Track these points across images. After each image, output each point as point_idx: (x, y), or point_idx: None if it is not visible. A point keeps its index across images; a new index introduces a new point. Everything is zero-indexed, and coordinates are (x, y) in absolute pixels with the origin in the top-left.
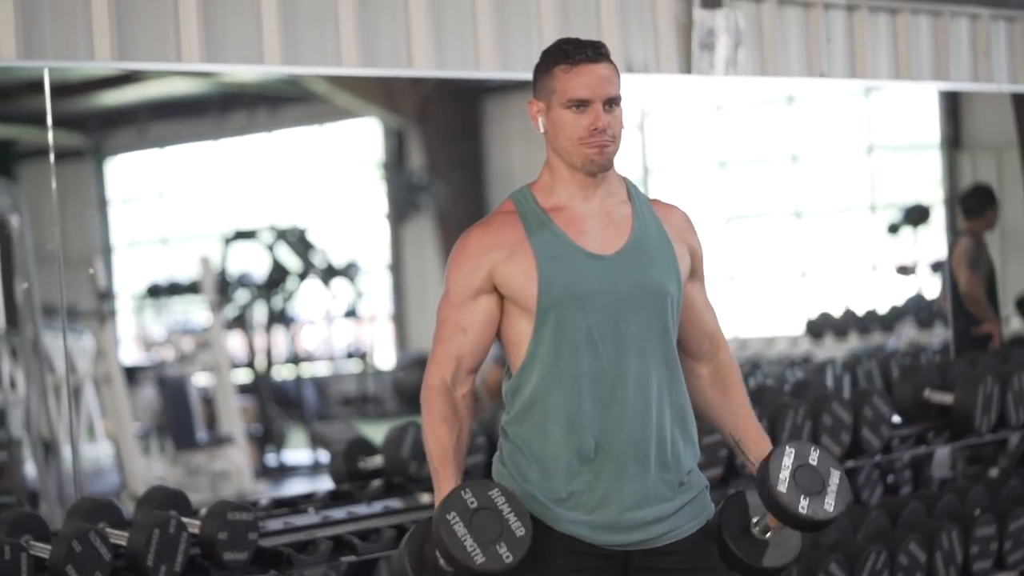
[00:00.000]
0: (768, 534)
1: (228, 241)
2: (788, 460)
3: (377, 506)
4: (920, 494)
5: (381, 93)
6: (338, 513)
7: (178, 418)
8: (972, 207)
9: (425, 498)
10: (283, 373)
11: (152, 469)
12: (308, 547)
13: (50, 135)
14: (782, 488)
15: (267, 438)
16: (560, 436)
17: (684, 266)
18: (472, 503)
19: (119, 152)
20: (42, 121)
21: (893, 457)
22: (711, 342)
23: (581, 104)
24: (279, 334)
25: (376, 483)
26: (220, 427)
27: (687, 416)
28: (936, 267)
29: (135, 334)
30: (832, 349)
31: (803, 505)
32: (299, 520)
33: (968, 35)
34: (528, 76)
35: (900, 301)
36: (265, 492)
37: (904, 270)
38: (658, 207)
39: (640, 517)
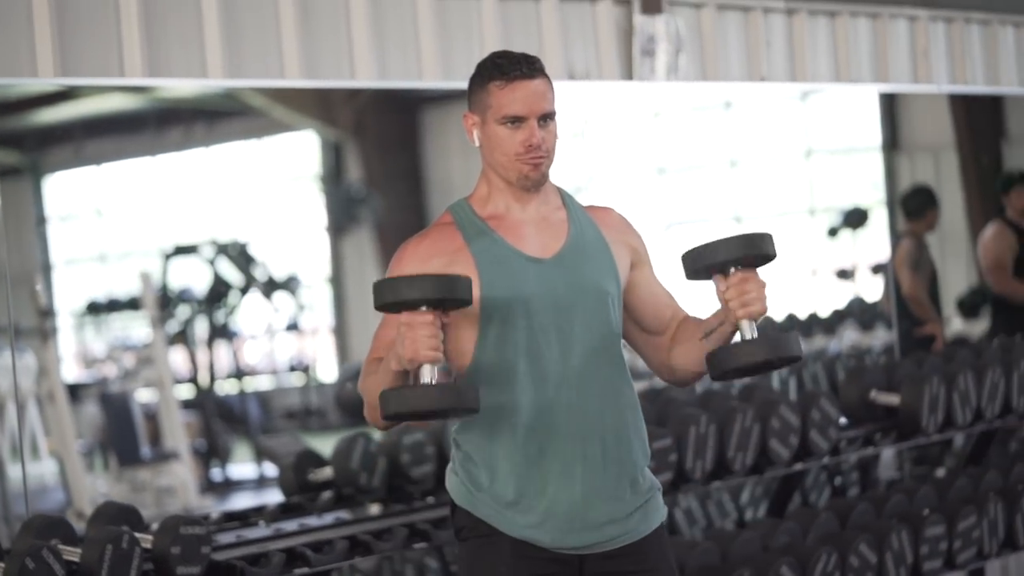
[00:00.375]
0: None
1: (168, 256)
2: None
3: (328, 518)
4: (869, 495)
5: (318, 106)
6: (290, 525)
7: (122, 434)
8: (913, 208)
9: (374, 509)
10: (226, 388)
11: (97, 486)
12: (261, 560)
13: None
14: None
15: (212, 453)
16: (507, 439)
17: (623, 266)
18: None
19: (56, 170)
20: None
21: (841, 459)
22: (673, 314)
23: (516, 120)
24: (221, 349)
25: (326, 495)
26: (164, 443)
27: (636, 415)
28: (876, 269)
29: (76, 351)
30: None
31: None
32: (251, 533)
33: (907, 37)
34: None
35: (841, 304)
36: (212, 507)
37: (844, 273)
38: (593, 211)
39: (592, 517)
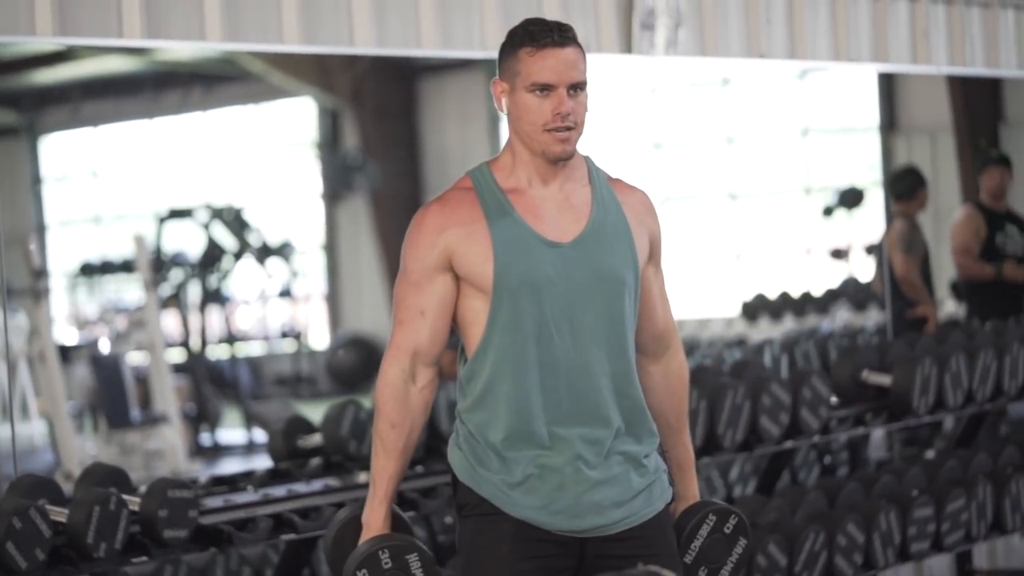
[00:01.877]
0: None
1: (163, 220)
2: (704, 530)
3: (317, 484)
4: (858, 475)
5: (316, 72)
6: (278, 491)
7: (112, 397)
8: (903, 190)
9: (363, 477)
10: (218, 353)
11: (86, 448)
12: (248, 525)
13: None
14: (687, 559)
15: (201, 417)
16: (514, 422)
17: (642, 252)
18: (387, 564)
19: (53, 130)
20: None
21: (831, 438)
22: (660, 342)
23: (545, 88)
24: (214, 314)
25: (315, 461)
26: (154, 406)
27: (642, 401)
28: (871, 250)
29: (69, 313)
30: (767, 331)
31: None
32: (239, 498)
33: (907, 17)
34: (469, 54)
35: (835, 284)
36: (200, 471)
37: (838, 253)
38: (619, 189)
39: (596, 500)
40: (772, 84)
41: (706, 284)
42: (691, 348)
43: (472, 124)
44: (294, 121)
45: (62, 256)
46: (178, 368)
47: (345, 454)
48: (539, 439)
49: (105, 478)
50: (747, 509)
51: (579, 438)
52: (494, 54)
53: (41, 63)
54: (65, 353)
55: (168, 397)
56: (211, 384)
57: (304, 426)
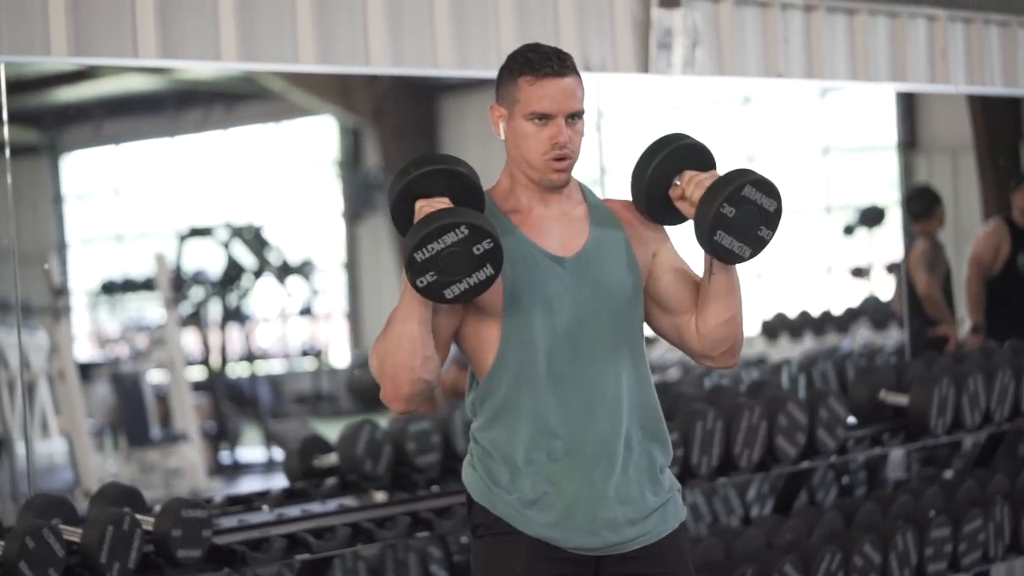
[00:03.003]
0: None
1: (183, 238)
2: (750, 192)
3: (331, 504)
4: (875, 495)
5: (337, 91)
6: (292, 511)
7: (132, 415)
8: (919, 209)
9: (379, 496)
10: (238, 371)
11: (106, 466)
12: (262, 545)
13: (5, 130)
14: (723, 211)
15: (221, 435)
16: (528, 438)
17: (644, 260)
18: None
19: (74, 148)
20: (13, 119)
21: (848, 458)
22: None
23: (543, 117)
24: (234, 331)
25: (331, 481)
26: (174, 424)
27: (656, 416)
28: (891, 269)
29: (90, 331)
30: (787, 350)
31: (720, 236)
32: (253, 518)
33: (925, 36)
34: (485, 75)
35: (855, 302)
36: (219, 489)
37: (859, 272)
38: (611, 205)
39: (611, 517)
40: (793, 102)
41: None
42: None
43: (493, 143)
44: (315, 140)
45: (84, 274)
46: (198, 386)
47: (361, 473)
48: (555, 453)
49: (119, 498)
50: (763, 530)
51: (593, 452)
52: None
53: (62, 81)
54: (86, 371)
55: (188, 415)
56: (231, 402)
57: (320, 445)
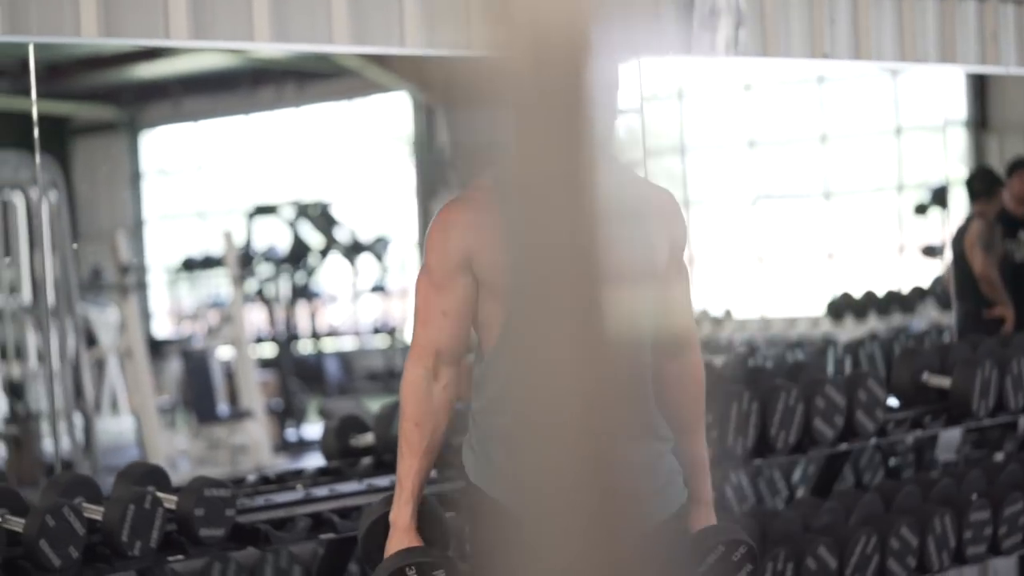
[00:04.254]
0: None
1: (250, 216)
2: (712, 558)
3: (361, 484)
4: (917, 478)
5: (412, 68)
6: (321, 490)
7: (200, 392)
8: (981, 189)
9: None
10: (306, 348)
11: (176, 443)
12: (287, 524)
13: (34, 110)
14: None
15: (288, 413)
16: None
17: (660, 255)
18: None
19: (153, 126)
20: (91, 97)
21: (890, 440)
22: (677, 342)
23: None
24: (302, 309)
25: (367, 460)
26: (240, 401)
27: (659, 400)
28: (931, 251)
29: (169, 308)
30: (852, 330)
31: None
32: (279, 497)
33: (975, 17)
34: None
35: (925, 282)
36: (282, 466)
37: (930, 251)
38: (647, 191)
39: None
40: (865, 82)
41: (797, 283)
42: (753, 348)
43: None
44: (389, 117)
45: (163, 251)
46: (266, 364)
47: (396, 453)
48: None
49: (144, 477)
50: (800, 512)
51: None
52: None
53: (140, 58)
54: (159, 348)
55: (253, 392)
56: (299, 379)
57: (357, 425)
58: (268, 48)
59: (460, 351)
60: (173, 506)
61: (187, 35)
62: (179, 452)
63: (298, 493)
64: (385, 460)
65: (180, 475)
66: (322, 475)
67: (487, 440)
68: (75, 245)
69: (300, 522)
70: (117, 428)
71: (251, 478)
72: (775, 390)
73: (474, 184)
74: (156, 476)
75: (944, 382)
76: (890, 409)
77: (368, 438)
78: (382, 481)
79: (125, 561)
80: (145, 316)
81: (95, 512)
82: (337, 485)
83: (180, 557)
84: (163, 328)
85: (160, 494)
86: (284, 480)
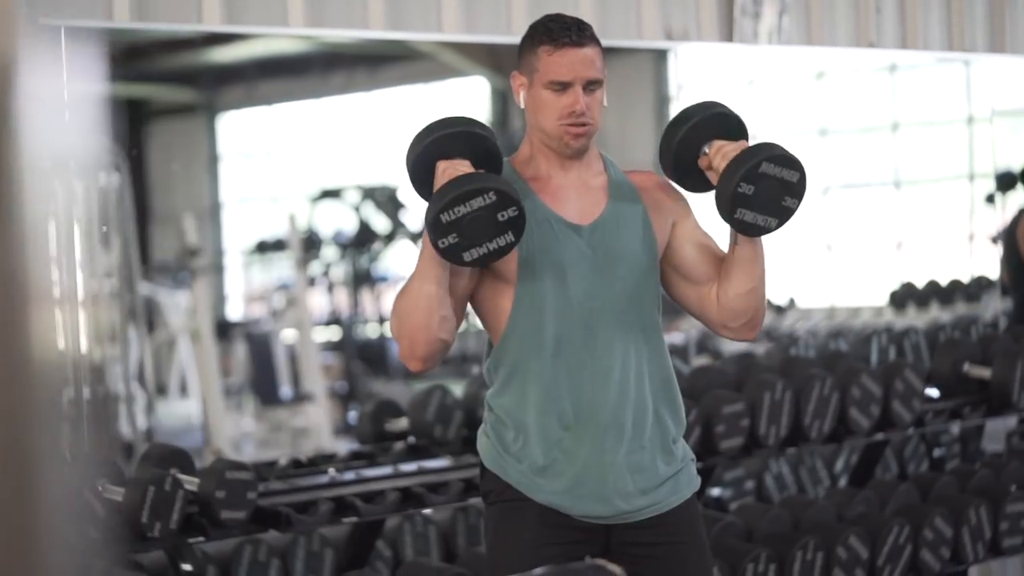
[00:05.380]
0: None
1: (314, 200)
2: (768, 168)
3: (388, 468)
4: (956, 469)
5: (486, 53)
6: (347, 474)
7: (264, 374)
8: None
9: (445, 461)
10: (370, 332)
11: (241, 425)
12: (310, 508)
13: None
14: (741, 190)
15: (351, 396)
16: (539, 403)
17: (662, 232)
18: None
19: (229, 109)
20: (163, 80)
21: (930, 430)
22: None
23: (562, 85)
24: (366, 293)
25: (400, 445)
26: (302, 384)
27: (670, 386)
28: (995, 239)
29: (244, 290)
30: (914, 319)
31: (742, 212)
32: (303, 481)
33: None
34: (616, 43)
35: (992, 272)
36: (343, 449)
37: (996, 239)
38: (633, 176)
39: (621, 487)
40: (936, 70)
41: (865, 272)
42: (794, 338)
43: (636, 108)
44: (464, 101)
45: (238, 233)
46: (330, 347)
47: (430, 438)
48: (565, 419)
49: (166, 458)
50: (834, 502)
51: (603, 420)
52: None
53: (218, 41)
54: (226, 330)
55: (315, 375)
56: (362, 362)
57: (392, 409)
58: (299, 33)
59: (450, 315)
60: (195, 488)
61: (219, 20)
62: (243, 435)
63: (324, 477)
64: (419, 445)
65: (244, 457)
66: (355, 459)
67: (500, 425)
68: (147, 228)
69: (323, 505)
70: (185, 411)
71: (283, 462)
72: (809, 379)
73: None
74: (179, 458)
75: (985, 373)
76: (929, 399)
77: (402, 423)
78: (410, 466)
79: (145, 542)
80: (220, 298)
81: (116, 494)
82: (365, 470)
83: (201, 539)
84: (236, 311)
85: (182, 476)
86: (315, 464)
